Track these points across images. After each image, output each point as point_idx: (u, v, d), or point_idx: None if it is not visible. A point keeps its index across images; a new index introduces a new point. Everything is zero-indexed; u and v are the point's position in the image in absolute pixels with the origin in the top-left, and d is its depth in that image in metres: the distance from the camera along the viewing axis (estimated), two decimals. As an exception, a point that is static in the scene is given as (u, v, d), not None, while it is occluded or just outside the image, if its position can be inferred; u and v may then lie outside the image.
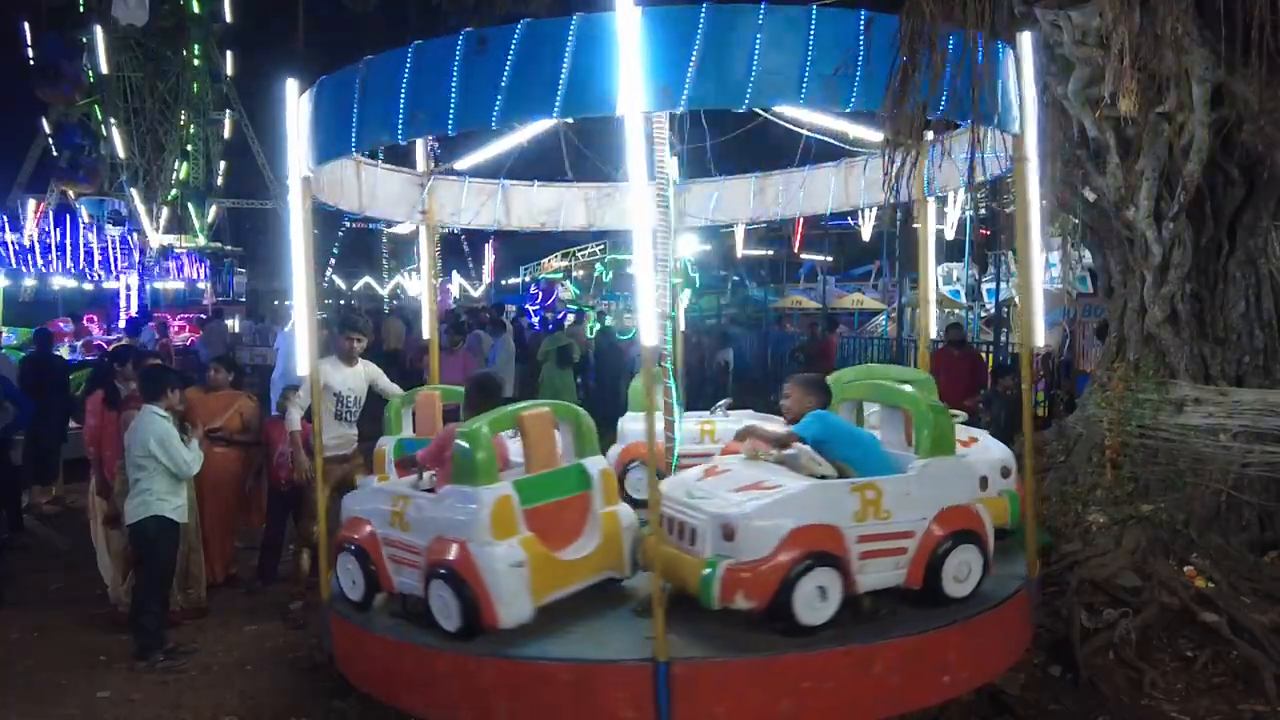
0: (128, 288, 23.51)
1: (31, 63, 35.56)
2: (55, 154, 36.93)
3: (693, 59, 3.73)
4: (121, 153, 37.43)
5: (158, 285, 28.32)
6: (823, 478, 4.35)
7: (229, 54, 42.27)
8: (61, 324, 17.37)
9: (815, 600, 4.02)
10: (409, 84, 4.06)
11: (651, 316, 3.91)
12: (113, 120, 37.20)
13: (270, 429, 7.13)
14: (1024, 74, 4.65)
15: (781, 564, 3.97)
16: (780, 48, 3.81)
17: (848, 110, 4.38)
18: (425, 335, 7.35)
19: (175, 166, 40.16)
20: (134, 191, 37.59)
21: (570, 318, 20.87)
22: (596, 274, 29.50)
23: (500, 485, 4.28)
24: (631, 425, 6.51)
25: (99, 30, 35.80)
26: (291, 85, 4.91)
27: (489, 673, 4.07)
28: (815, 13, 3.87)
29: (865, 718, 4.16)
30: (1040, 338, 5.31)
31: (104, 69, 36.35)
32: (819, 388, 4.83)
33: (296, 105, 4.86)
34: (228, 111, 42.44)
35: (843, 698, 4.02)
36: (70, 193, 35.70)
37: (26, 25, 35.85)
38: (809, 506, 4.12)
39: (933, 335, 7.82)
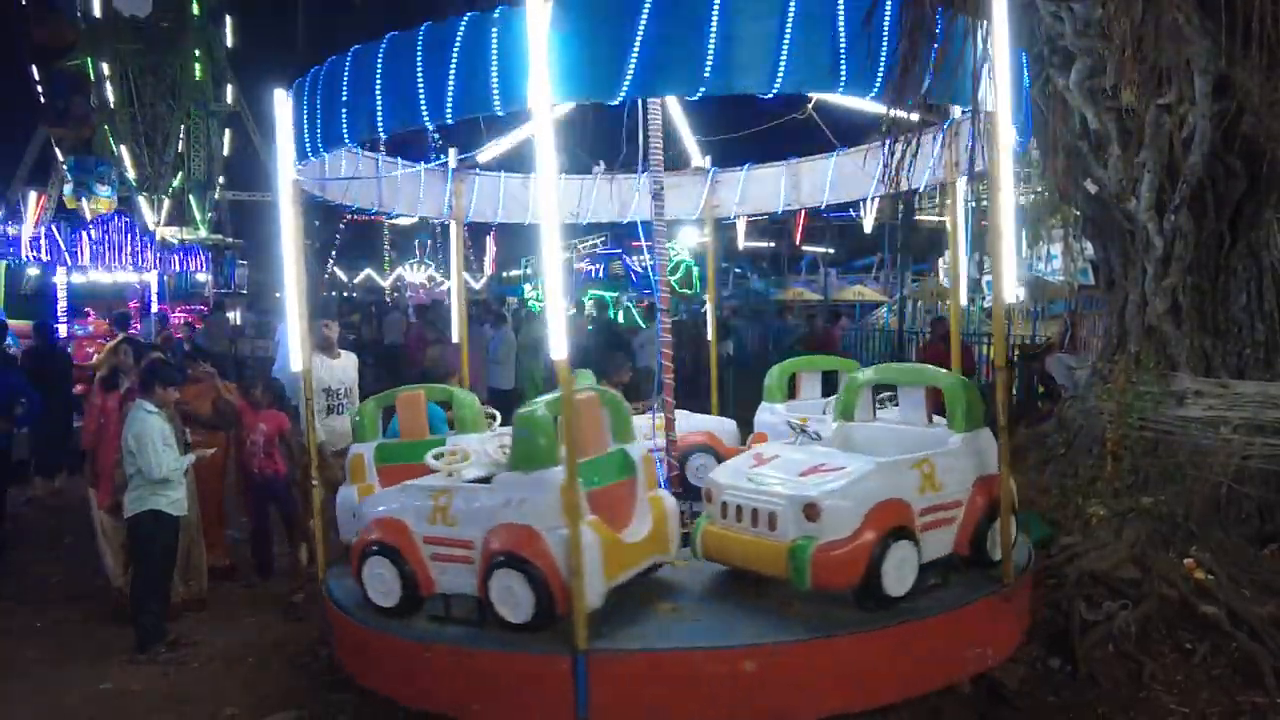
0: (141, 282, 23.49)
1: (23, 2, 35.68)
2: (43, 101, 36.91)
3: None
4: (112, 100, 37.19)
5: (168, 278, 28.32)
6: None
7: (230, 63, 42.05)
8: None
9: None
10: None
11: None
12: (105, 67, 36.99)
13: (241, 416, 7.08)
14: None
15: None
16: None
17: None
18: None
19: (172, 160, 39.99)
20: (124, 150, 37.36)
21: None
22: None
23: None
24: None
25: None
26: None
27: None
28: None
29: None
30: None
31: (96, 13, 36.33)
32: None
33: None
34: (227, 130, 42.23)
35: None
36: (58, 149, 35.61)
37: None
38: None
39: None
